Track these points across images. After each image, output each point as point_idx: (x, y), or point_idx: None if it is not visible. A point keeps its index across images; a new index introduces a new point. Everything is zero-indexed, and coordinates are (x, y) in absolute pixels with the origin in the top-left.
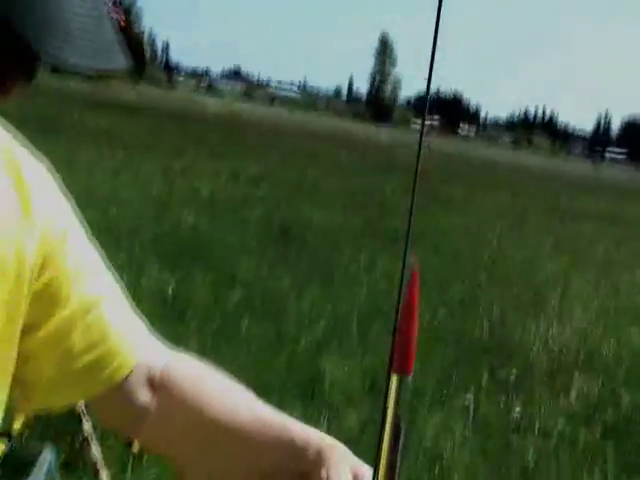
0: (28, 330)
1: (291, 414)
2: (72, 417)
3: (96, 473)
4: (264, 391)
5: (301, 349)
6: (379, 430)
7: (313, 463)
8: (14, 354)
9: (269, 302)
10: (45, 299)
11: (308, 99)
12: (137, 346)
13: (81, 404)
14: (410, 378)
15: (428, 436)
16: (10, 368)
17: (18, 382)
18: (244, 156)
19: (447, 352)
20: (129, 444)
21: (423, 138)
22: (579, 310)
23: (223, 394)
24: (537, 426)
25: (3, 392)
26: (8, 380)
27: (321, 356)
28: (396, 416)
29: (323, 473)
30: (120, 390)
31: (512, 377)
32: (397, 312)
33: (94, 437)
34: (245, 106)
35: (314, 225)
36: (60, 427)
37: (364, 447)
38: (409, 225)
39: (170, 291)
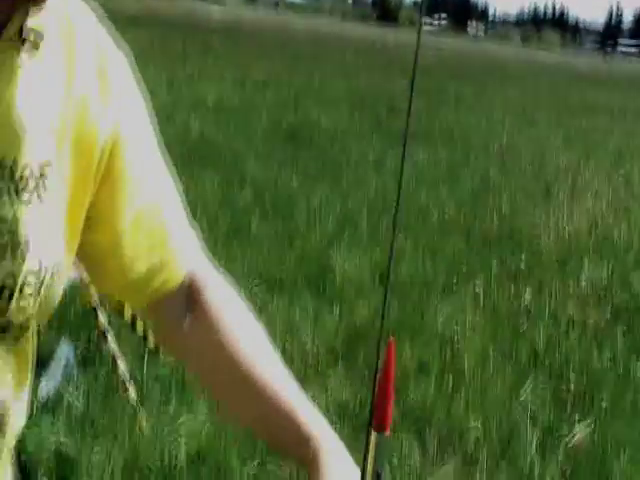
0: (95, 221)
1: (304, 307)
2: (87, 312)
3: (114, 365)
4: (276, 286)
5: (311, 245)
6: None
7: (308, 461)
8: (78, 234)
9: (279, 201)
10: (109, 187)
11: (312, 2)
12: (189, 258)
13: (95, 298)
14: (388, 436)
15: (439, 322)
16: (75, 245)
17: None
18: (249, 62)
19: (457, 244)
20: (144, 338)
21: (431, 38)
22: (590, 199)
23: (253, 345)
24: (547, 311)
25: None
26: (73, 255)
27: (331, 251)
28: (376, 468)
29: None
30: (165, 299)
31: (522, 265)
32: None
33: (110, 331)
34: (249, 12)
35: (322, 127)
36: (76, 323)
37: (376, 334)
38: (407, 117)
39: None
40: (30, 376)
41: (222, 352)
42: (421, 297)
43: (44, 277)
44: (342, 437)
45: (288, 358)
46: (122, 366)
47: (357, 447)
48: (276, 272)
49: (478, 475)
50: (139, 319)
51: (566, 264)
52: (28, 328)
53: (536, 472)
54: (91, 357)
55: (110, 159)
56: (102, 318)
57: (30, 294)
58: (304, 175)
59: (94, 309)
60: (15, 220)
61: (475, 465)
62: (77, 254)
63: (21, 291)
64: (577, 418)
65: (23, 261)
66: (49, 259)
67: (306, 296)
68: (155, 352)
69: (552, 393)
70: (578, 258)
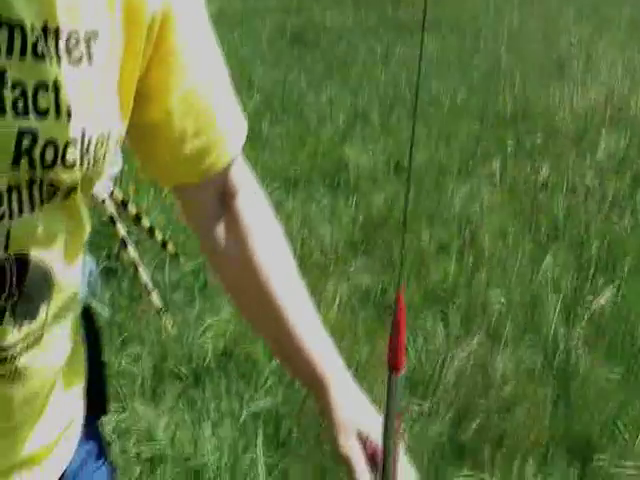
0: (144, 98)
1: (320, 203)
2: (105, 227)
3: (135, 273)
4: (291, 185)
5: (324, 142)
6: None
7: (320, 397)
8: (129, 108)
9: (288, 103)
10: (159, 63)
11: None
12: (236, 143)
13: (113, 210)
14: (402, 377)
15: (456, 204)
16: (125, 120)
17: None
18: None
19: (471, 127)
20: (164, 245)
21: None
22: (605, 71)
23: (277, 269)
24: (565, 184)
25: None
26: (122, 128)
27: (344, 146)
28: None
29: (334, 436)
30: (205, 186)
31: (538, 141)
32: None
33: (129, 241)
34: None
35: (327, 27)
36: (96, 238)
37: (393, 222)
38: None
39: None
40: (82, 247)
41: (246, 266)
42: (437, 182)
43: (88, 144)
44: (367, 321)
45: (307, 252)
46: (144, 274)
47: (380, 329)
48: (290, 171)
49: (502, 347)
50: (157, 228)
51: (583, 138)
52: (76, 191)
53: (560, 339)
54: (113, 269)
55: (160, 34)
56: (121, 228)
57: (74, 159)
58: (312, 75)
59: (112, 220)
60: (58, 83)
61: (499, 339)
62: (127, 133)
63: (64, 154)
64: (600, 283)
65: (66, 123)
66: (94, 128)
67: (322, 192)
68: (175, 257)
69: (574, 261)
70: (595, 131)
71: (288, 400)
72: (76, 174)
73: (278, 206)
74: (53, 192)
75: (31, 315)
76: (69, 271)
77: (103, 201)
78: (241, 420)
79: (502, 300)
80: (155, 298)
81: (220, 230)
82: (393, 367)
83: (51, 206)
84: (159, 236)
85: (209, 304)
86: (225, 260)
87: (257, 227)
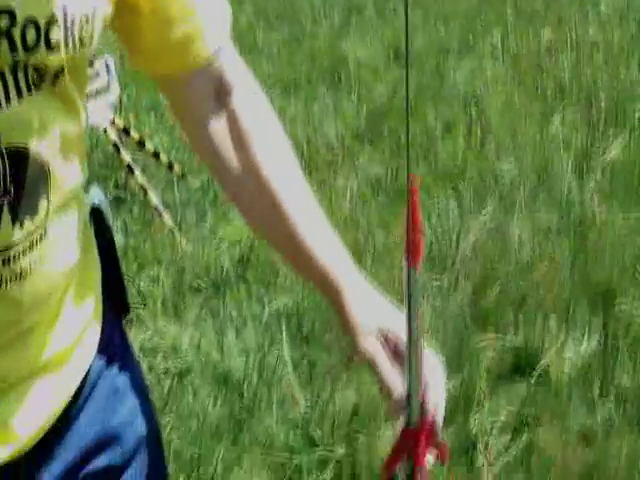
0: None
1: (322, 101)
2: (110, 158)
3: (145, 197)
4: (292, 88)
5: (320, 41)
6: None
7: (338, 310)
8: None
9: (280, 9)
10: None
11: None
12: (221, 34)
13: (114, 137)
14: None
15: (459, 83)
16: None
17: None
18: None
19: (469, 2)
20: (170, 167)
21: None
22: None
23: (279, 168)
24: (568, 44)
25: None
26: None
27: (341, 41)
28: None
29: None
30: (194, 77)
31: (537, 6)
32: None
33: (135, 166)
34: None
35: None
36: (101, 170)
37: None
38: None
39: None
40: (80, 145)
41: (244, 162)
42: (438, 63)
43: (72, 24)
44: (380, 209)
45: (314, 151)
46: (153, 196)
47: (394, 215)
48: (290, 74)
49: (517, 213)
50: (162, 152)
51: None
52: (64, 73)
53: (574, 195)
54: (122, 197)
55: None
56: (126, 155)
57: (57, 40)
58: None
59: (116, 148)
60: None
61: (513, 206)
62: (112, 25)
63: (47, 34)
64: (610, 135)
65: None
66: (76, 6)
67: (323, 90)
68: (183, 178)
69: (583, 119)
70: None
71: (308, 296)
72: (61, 57)
73: (281, 112)
74: (40, 77)
75: (31, 212)
76: (67, 167)
77: (105, 130)
78: (263, 321)
79: (513, 167)
80: (167, 219)
81: (216, 130)
82: (411, 259)
83: (41, 94)
84: (164, 158)
85: (221, 216)
86: (224, 164)
87: (256, 127)
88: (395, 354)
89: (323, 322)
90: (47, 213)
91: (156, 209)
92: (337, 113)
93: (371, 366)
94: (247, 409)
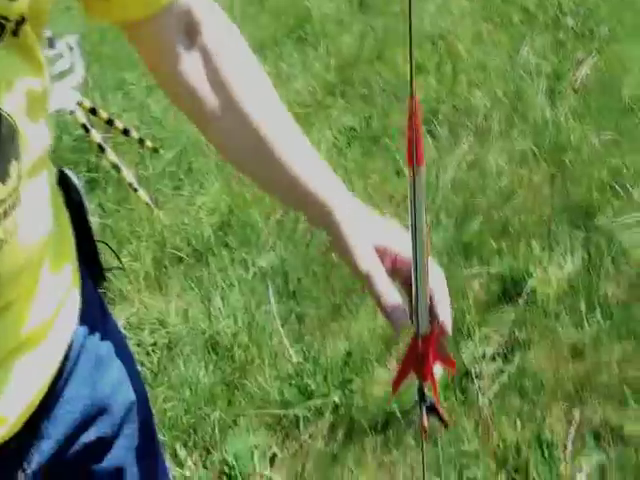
0: None
1: (290, 58)
2: (78, 140)
3: (118, 173)
4: (258, 49)
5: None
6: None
7: (334, 232)
8: None
9: None
10: None
11: None
12: None
13: (82, 118)
14: (423, 168)
15: (426, 23)
16: None
17: None
18: None
19: None
20: (141, 142)
21: None
22: None
23: (258, 96)
24: None
25: None
26: None
27: None
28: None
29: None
30: (160, 18)
31: None
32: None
33: (106, 145)
34: None
35: None
36: (71, 155)
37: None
38: None
39: None
40: (46, 106)
41: (222, 99)
42: (403, 5)
43: None
44: (356, 158)
45: (287, 107)
46: (127, 173)
47: (370, 162)
48: (256, 35)
49: (492, 143)
50: (132, 129)
51: None
52: (25, 23)
53: (548, 119)
54: (95, 178)
55: None
56: (96, 134)
57: None
58: None
59: (85, 129)
60: None
61: (488, 137)
62: None
63: None
64: (579, 56)
65: None
66: None
67: (289, 48)
68: (155, 151)
69: (551, 42)
70: None
71: (291, 253)
72: (21, 4)
73: None
74: (1, 28)
75: (2, 175)
76: (35, 126)
77: (71, 112)
78: (249, 283)
79: (486, 101)
80: (142, 194)
81: (190, 70)
82: (414, 160)
83: (2, 46)
84: (135, 135)
85: (197, 186)
86: (201, 104)
87: (231, 63)
88: (394, 270)
89: (308, 275)
90: (19, 177)
91: (130, 185)
92: (306, 69)
93: (369, 284)
94: (240, 370)
